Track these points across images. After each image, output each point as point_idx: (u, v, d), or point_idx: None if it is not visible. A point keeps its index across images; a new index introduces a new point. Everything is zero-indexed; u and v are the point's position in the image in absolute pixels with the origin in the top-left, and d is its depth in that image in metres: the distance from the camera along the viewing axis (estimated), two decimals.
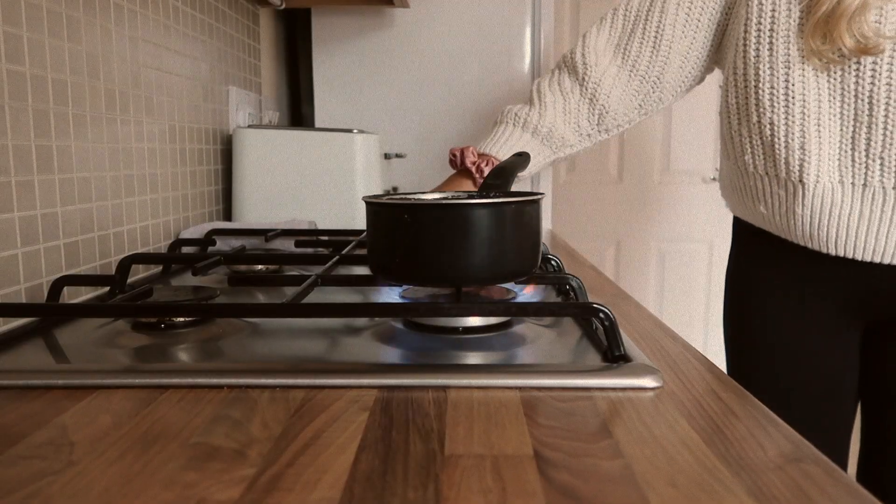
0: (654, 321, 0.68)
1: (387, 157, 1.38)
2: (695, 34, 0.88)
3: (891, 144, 0.72)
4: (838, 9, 0.70)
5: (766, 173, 0.81)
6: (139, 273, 0.91)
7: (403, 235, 0.59)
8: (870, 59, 0.72)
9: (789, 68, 0.76)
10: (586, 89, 0.92)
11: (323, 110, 1.61)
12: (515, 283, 0.69)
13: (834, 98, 0.74)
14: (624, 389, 0.48)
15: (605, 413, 0.43)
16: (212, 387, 0.48)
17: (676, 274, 2.12)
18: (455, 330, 0.62)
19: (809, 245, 0.81)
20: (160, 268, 0.95)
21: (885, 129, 0.72)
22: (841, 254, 0.78)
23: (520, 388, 0.47)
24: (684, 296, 2.12)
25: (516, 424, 0.41)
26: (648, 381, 0.48)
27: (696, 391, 0.48)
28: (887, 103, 0.72)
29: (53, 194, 0.74)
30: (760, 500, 0.33)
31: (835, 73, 0.74)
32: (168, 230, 1.02)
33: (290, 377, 0.48)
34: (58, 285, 0.68)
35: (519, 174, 0.80)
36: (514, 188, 0.75)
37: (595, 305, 0.55)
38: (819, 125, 0.75)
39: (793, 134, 0.77)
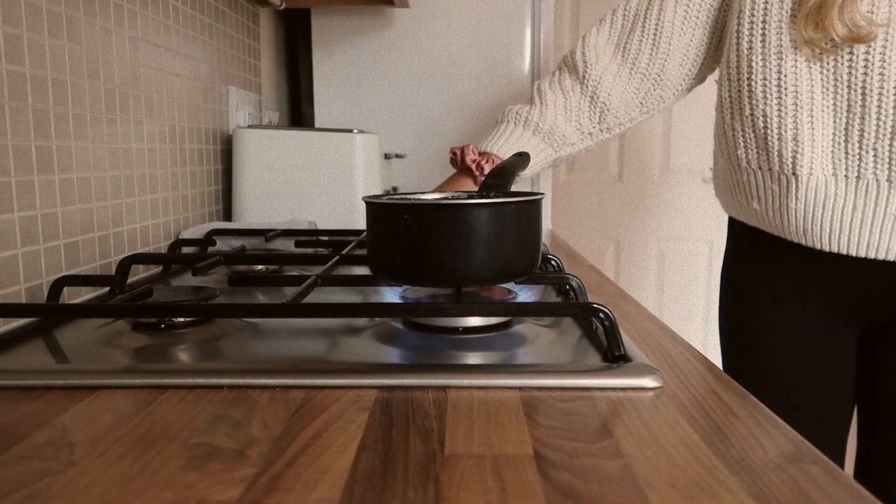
0: (654, 321, 0.68)
1: (387, 157, 1.38)
2: (693, 31, 0.88)
3: (884, 135, 0.72)
4: None
5: (760, 167, 0.81)
6: (139, 273, 0.91)
7: (403, 235, 0.59)
8: (862, 48, 0.71)
9: (782, 59, 0.76)
10: (587, 87, 0.92)
11: (323, 110, 1.61)
12: (515, 283, 0.69)
13: (827, 89, 0.74)
14: (624, 389, 0.48)
15: (605, 413, 0.43)
16: (212, 387, 0.48)
17: (676, 273, 2.12)
18: (455, 330, 0.62)
19: (803, 241, 0.80)
20: (160, 268, 0.95)
21: (879, 119, 0.72)
22: (835, 249, 0.78)
23: (520, 388, 0.47)
24: (684, 295, 2.12)
25: (516, 424, 0.41)
26: (648, 381, 0.48)
27: (696, 391, 0.48)
28: (880, 93, 0.71)
29: (53, 194, 0.74)
30: (760, 500, 0.33)
31: (827, 63, 0.74)
32: (168, 230, 1.02)
33: (290, 377, 0.48)
34: (58, 285, 0.68)
35: (520, 174, 0.80)
36: (514, 188, 0.75)
37: (595, 305, 0.55)
38: (812, 116, 0.75)
39: (785, 125, 0.77)
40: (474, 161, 0.93)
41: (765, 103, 0.78)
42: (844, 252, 0.77)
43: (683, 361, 0.55)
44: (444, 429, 0.41)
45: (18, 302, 0.68)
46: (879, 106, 0.72)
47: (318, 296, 0.72)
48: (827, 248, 0.78)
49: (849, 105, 0.73)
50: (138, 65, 0.92)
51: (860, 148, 0.73)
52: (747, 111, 0.80)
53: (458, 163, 0.96)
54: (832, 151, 0.75)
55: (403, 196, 0.71)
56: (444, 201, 0.64)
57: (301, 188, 1.21)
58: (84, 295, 0.79)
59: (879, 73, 0.71)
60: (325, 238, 1.05)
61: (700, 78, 0.94)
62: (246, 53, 1.38)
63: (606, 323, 0.54)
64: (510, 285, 0.71)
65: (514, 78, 1.60)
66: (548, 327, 0.64)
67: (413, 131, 1.61)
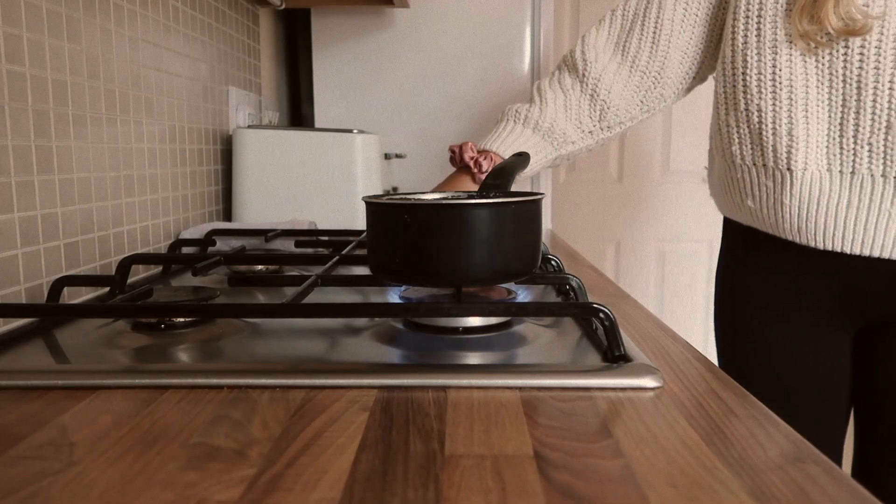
0: (654, 321, 0.68)
1: (387, 157, 1.38)
2: (693, 28, 0.88)
3: (878, 130, 0.72)
4: None
5: (754, 163, 0.81)
6: (139, 273, 0.91)
7: (403, 235, 0.59)
8: (857, 42, 0.71)
9: (776, 53, 0.76)
10: (587, 85, 0.93)
11: (323, 110, 1.61)
12: (515, 283, 0.69)
13: (822, 83, 0.74)
14: (624, 389, 0.48)
15: (605, 413, 0.43)
16: (212, 387, 0.48)
17: (676, 273, 2.12)
18: (455, 330, 0.62)
19: (797, 239, 0.80)
20: (160, 268, 0.95)
21: (874, 113, 0.72)
22: (829, 247, 0.78)
23: (520, 388, 0.47)
24: (684, 295, 2.12)
25: (516, 424, 0.41)
26: (648, 381, 0.48)
27: (696, 391, 0.48)
28: (875, 87, 0.71)
29: (53, 195, 0.74)
30: (760, 500, 0.33)
31: (823, 57, 0.74)
32: (168, 230, 1.02)
33: (290, 377, 0.48)
34: (58, 286, 0.68)
35: (520, 173, 0.80)
36: (514, 188, 0.75)
37: (595, 305, 0.55)
38: (807, 111, 0.75)
39: (780, 120, 0.77)
40: (472, 158, 0.93)
41: (759, 98, 0.78)
42: (839, 249, 0.77)
43: (683, 361, 0.55)
44: (444, 429, 0.41)
45: (18, 302, 0.68)
46: (874, 100, 0.72)
47: (318, 296, 0.73)
48: (821, 246, 0.78)
49: (844, 99, 0.73)
50: (138, 65, 0.92)
51: (855, 143, 0.73)
52: (742, 106, 0.80)
53: (457, 161, 0.96)
54: (827, 146, 0.75)
55: (403, 196, 0.71)
56: (444, 201, 0.64)
57: (301, 188, 1.21)
58: (84, 295, 0.79)
59: (874, 67, 0.71)
60: (325, 238, 1.05)
61: (701, 77, 0.94)
62: (246, 53, 1.38)
63: (606, 323, 0.54)
64: (510, 285, 0.71)
65: (514, 78, 1.60)
66: (548, 327, 0.64)
67: (413, 131, 1.61)
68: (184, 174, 1.08)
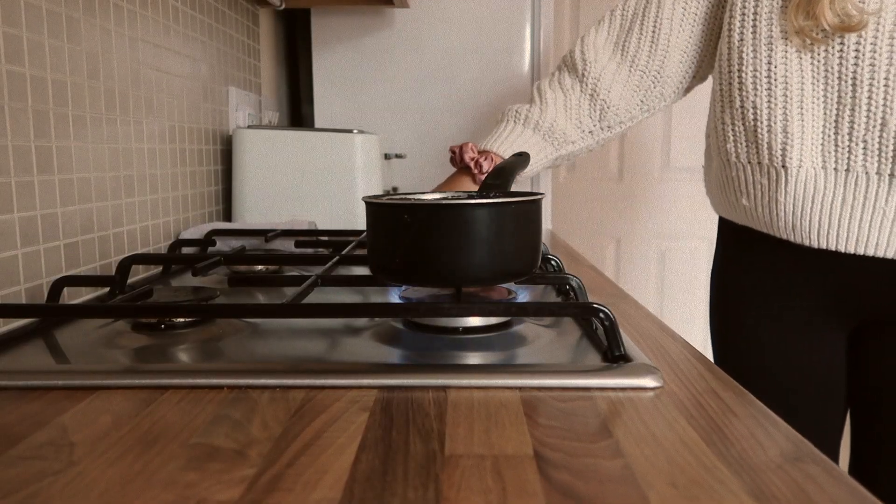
0: (654, 321, 0.68)
1: (387, 157, 1.38)
2: (692, 27, 0.88)
3: (874, 126, 0.72)
4: None
5: (749, 161, 0.81)
6: (139, 273, 0.91)
7: (403, 235, 0.59)
8: (853, 39, 0.71)
9: (772, 50, 0.76)
10: (586, 85, 0.93)
11: (323, 110, 1.61)
12: (515, 283, 0.69)
13: (817, 80, 0.74)
14: (624, 389, 0.48)
15: (605, 413, 0.43)
16: (212, 387, 0.48)
17: (677, 272, 2.12)
18: (455, 330, 0.62)
19: (792, 237, 0.80)
20: (160, 268, 0.95)
21: (869, 110, 0.72)
22: (823, 245, 0.78)
23: (520, 388, 0.47)
24: (685, 294, 2.12)
25: (516, 424, 0.41)
26: (648, 381, 0.48)
27: (696, 391, 0.48)
28: (871, 84, 0.71)
29: (53, 195, 0.74)
30: (760, 499, 0.33)
31: (818, 54, 0.74)
32: (168, 231, 1.02)
33: (290, 377, 0.48)
34: (58, 286, 0.68)
35: (521, 174, 0.80)
36: (514, 188, 0.75)
37: (595, 305, 0.55)
38: (802, 108, 0.75)
39: (775, 117, 0.77)
40: (473, 159, 0.93)
41: (755, 94, 0.78)
42: (833, 248, 0.77)
43: (683, 361, 0.55)
44: (444, 429, 0.41)
45: (18, 302, 0.68)
46: (870, 97, 0.72)
47: (318, 296, 0.73)
48: (815, 245, 0.78)
49: (839, 96, 0.73)
50: (138, 65, 0.92)
51: (850, 140, 0.73)
52: (737, 103, 0.80)
53: (458, 161, 0.96)
54: (822, 144, 0.75)
55: (403, 196, 0.71)
56: (444, 201, 0.64)
57: (301, 188, 1.21)
58: (84, 295, 0.79)
59: (870, 64, 0.71)
60: (325, 238, 1.05)
61: (701, 76, 0.94)
62: (246, 54, 1.38)
63: (606, 323, 0.54)
64: (510, 285, 0.71)
65: (514, 78, 1.60)
66: (548, 327, 0.64)
67: (413, 131, 1.61)
68: (184, 174, 1.08)
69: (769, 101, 0.77)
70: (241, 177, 1.21)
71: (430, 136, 1.62)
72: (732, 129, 0.82)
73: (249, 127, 1.25)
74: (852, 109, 0.73)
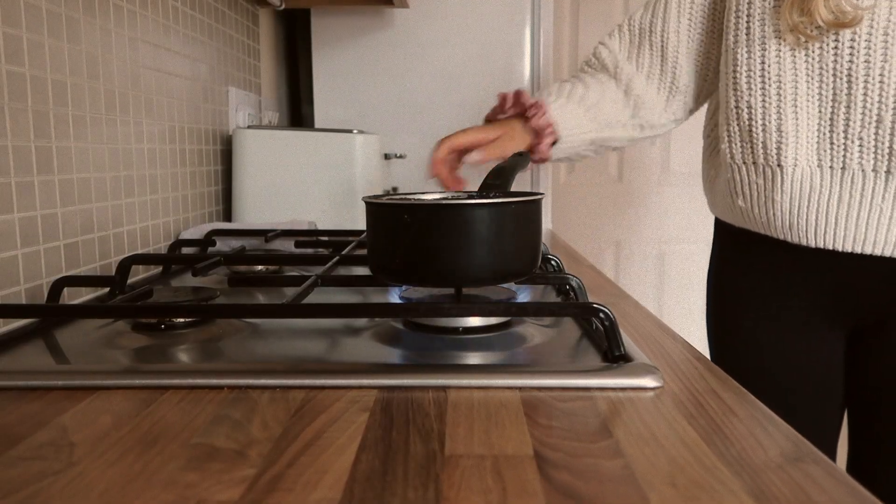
0: (654, 321, 0.68)
1: (387, 157, 1.38)
2: (701, 37, 0.89)
3: (869, 123, 0.72)
4: None
5: (745, 161, 0.81)
6: (139, 274, 0.91)
7: (403, 235, 0.59)
8: (847, 36, 0.72)
9: (765, 49, 0.76)
10: (620, 81, 0.92)
11: (323, 110, 1.61)
12: (515, 283, 0.69)
13: (812, 79, 0.75)
14: (624, 389, 0.48)
15: (606, 413, 0.43)
16: (212, 387, 0.48)
17: (676, 274, 2.12)
18: (455, 330, 0.62)
19: (788, 237, 0.80)
20: (160, 268, 0.95)
21: (865, 107, 0.72)
22: (821, 244, 0.78)
23: (520, 388, 0.47)
24: (684, 295, 2.12)
25: (516, 424, 0.41)
26: (648, 381, 0.48)
27: (696, 391, 0.48)
28: (866, 81, 0.72)
29: (53, 195, 0.74)
30: (760, 499, 0.33)
31: (812, 52, 0.74)
32: (168, 231, 1.02)
33: (290, 378, 0.48)
34: (58, 286, 0.68)
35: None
36: (517, 187, 0.74)
37: (595, 305, 0.55)
38: (796, 106, 0.76)
39: (769, 116, 0.77)
40: (530, 104, 0.88)
41: (749, 94, 0.78)
42: (830, 247, 0.77)
43: (683, 361, 0.55)
44: (444, 429, 0.41)
45: (18, 303, 0.68)
46: (865, 93, 0.72)
47: (318, 296, 0.72)
48: (813, 244, 0.78)
49: (834, 94, 0.74)
50: (138, 65, 0.92)
51: (846, 137, 0.73)
52: (732, 104, 0.81)
53: (509, 105, 0.90)
54: (817, 142, 0.75)
55: (403, 196, 0.71)
56: (443, 201, 0.64)
57: (301, 188, 1.21)
58: (84, 295, 0.79)
59: (864, 61, 0.71)
60: (325, 238, 1.05)
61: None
62: (246, 54, 1.38)
63: (606, 323, 0.54)
64: (510, 285, 0.71)
65: (514, 78, 1.60)
66: (548, 327, 0.64)
67: (413, 131, 1.61)
68: (184, 174, 1.08)
69: (763, 101, 0.77)
70: (241, 177, 1.21)
71: (430, 136, 1.61)
72: (727, 130, 0.82)
73: (249, 127, 1.25)
74: (848, 107, 0.73)
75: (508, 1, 1.58)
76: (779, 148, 0.77)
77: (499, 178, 0.72)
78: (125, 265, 0.75)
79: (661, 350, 0.58)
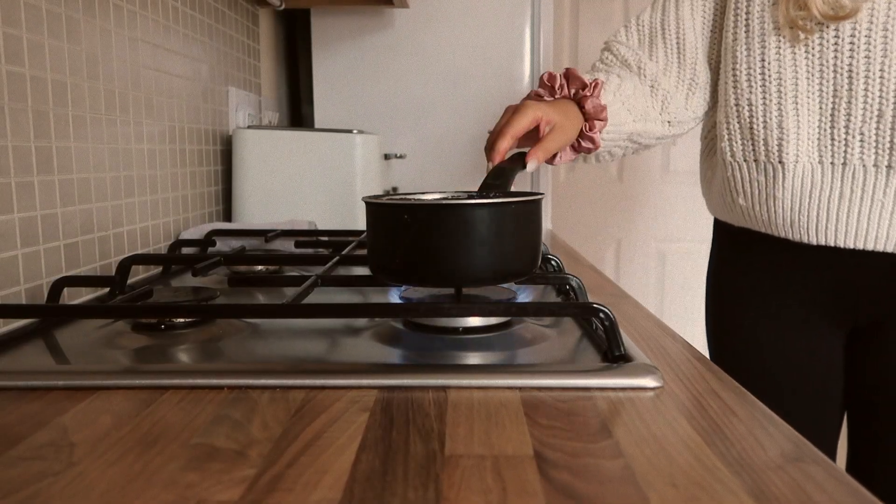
0: (654, 321, 0.68)
1: (387, 157, 1.38)
2: (713, 34, 0.87)
3: (870, 118, 0.72)
4: None
5: (745, 159, 0.81)
6: (139, 274, 0.91)
7: (403, 235, 0.59)
8: (847, 31, 0.72)
9: (765, 46, 0.76)
10: (644, 76, 0.87)
11: (323, 110, 1.61)
12: (515, 283, 0.69)
13: (812, 75, 0.75)
14: (624, 389, 0.48)
15: (606, 413, 0.43)
16: (212, 387, 0.48)
17: (676, 273, 2.12)
18: (455, 330, 0.62)
19: (790, 235, 0.80)
20: (160, 268, 0.95)
21: (866, 102, 0.72)
22: (822, 241, 0.78)
23: (520, 389, 0.47)
24: (684, 295, 2.12)
25: (516, 424, 0.41)
26: (648, 381, 0.48)
27: (696, 391, 0.48)
28: (867, 76, 0.72)
29: (53, 195, 0.74)
30: (761, 499, 0.33)
31: (812, 48, 0.74)
32: (168, 231, 1.02)
33: (291, 378, 0.48)
34: (58, 286, 0.68)
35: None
36: (514, 187, 0.74)
37: (595, 305, 0.55)
38: (797, 103, 0.76)
39: (770, 113, 0.77)
40: (585, 84, 0.79)
41: (749, 91, 0.78)
42: (832, 243, 0.77)
43: (683, 361, 0.55)
44: (444, 429, 0.41)
45: (18, 303, 0.68)
46: (866, 89, 0.72)
47: (318, 296, 0.72)
48: (814, 241, 0.78)
49: (835, 89, 0.74)
50: (138, 65, 0.92)
51: (846, 133, 0.74)
52: (732, 101, 0.80)
53: (558, 86, 0.81)
54: (818, 138, 0.76)
55: (403, 196, 0.71)
56: (444, 201, 0.64)
57: (301, 188, 1.21)
58: (84, 296, 0.79)
59: (865, 56, 0.71)
60: (325, 238, 1.05)
61: None
62: (246, 54, 1.38)
63: (606, 323, 0.54)
64: (510, 285, 0.71)
65: (514, 78, 1.60)
66: (548, 327, 0.64)
67: (413, 131, 1.61)
68: (184, 175, 1.08)
69: (764, 97, 0.77)
70: (241, 177, 1.21)
71: (430, 136, 1.62)
72: (728, 128, 0.82)
73: (249, 127, 1.25)
74: (848, 102, 0.73)
75: (508, 1, 1.58)
76: (780, 145, 0.77)
77: (499, 179, 0.72)
78: (125, 265, 0.75)
79: (661, 350, 0.58)
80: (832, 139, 0.75)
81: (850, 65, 0.72)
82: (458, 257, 0.58)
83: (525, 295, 0.70)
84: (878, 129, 0.72)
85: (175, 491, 0.33)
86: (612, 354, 0.54)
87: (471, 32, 1.59)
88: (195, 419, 0.42)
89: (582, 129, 0.78)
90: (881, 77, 0.71)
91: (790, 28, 0.74)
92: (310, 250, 0.97)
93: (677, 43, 0.87)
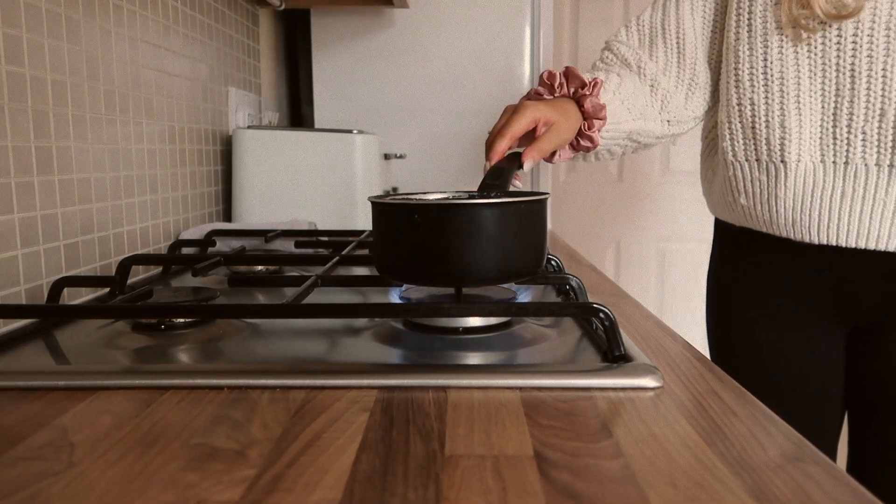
0: (654, 321, 0.68)
1: (387, 157, 1.38)
2: (714, 34, 0.87)
3: (872, 117, 0.72)
4: None
5: (747, 159, 0.81)
6: (139, 274, 0.91)
7: (411, 236, 0.59)
8: (850, 31, 0.72)
9: (767, 45, 0.77)
10: (644, 76, 0.87)
11: (323, 111, 1.61)
12: (516, 283, 0.69)
13: (815, 73, 0.75)
14: (624, 389, 0.48)
15: (606, 413, 0.43)
16: (212, 387, 0.48)
17: (676, 273, 2.12)
18: (455, 330, 0.62)
19: (792, 234, 0.80)
20: (160, 269, 0.95)
21: (868, 101, 0.72)
22: (824, 240, 0.78)
23: (520, 389, 0.47)
24: (684, 295, 2.12)
25: (517, 424, 0.41)
26: (648, 381, 0.48)
27: (696, 391, 0.48)
28: (869, 75, 0.72)
29: (53, 195, 0.74)
30: (761, 499, 0.33)
31: (815, 47, 0.74)
32: (168, 231, 1.02)
33: (291, 378, 0.48)
34: (58, 286, 0.68)
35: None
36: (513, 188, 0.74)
37: (595, 305, 0.55)
38: (799, 102, 0.76)
39: (772, 112, 0.77)
40: (585, 84, 0.79)
41: (752, 91, 0.78)
42: (833, 242, 0.77)
43: (683, 361, 0.55)
44: (444, 429, 0.41)
45: (18, 303, 0.68)
46: (868, 88, 0.72)
47: (319, 296, 0.72)
48: (816, 240, 0.78)
49: (837, 88, 0.74)
50: (138, 65, 0.92)
51: (848, 132, 0.74)
52: (734, 101, 0.80)
53: (557, 84, 0.80)
54: (820, 137, 0.76)
55: (405, 196, 0.70)
56: (450, 201, 0.64)
57: (301, 188, 1.21)
58: (84, 296, 0.79)
59: (867, 55, 0.72)
60: (325, 238, 1.05)
61: None
62: (245, 54, 1.38)
63: (606, 323, 0.54)
64: (510, 285, 0.71)
65: (514, 78, 1.60)
66: (548, 327, 0.64)
67: (413, 131, 1.61)
68: (183, 175, 1.08)
69: (766, 97, 0.77)
70: (241, 177, 1.21)
71: (430, 136, 1.62)
72: (729, 128, 0.82)
73: (249, 127, 1.25)
74: (851, 101, 0.73)
75: (508, 1, 1.58)
76: (782, 144, 0.77)
77: (497, 178, 0.72)
78: (125, 265, 0.75)
79: (661, 350, 0.58)
80: (834, 138, 0.75)
81: (853, 64, 0.72)
82: (466, 256, 0.58)
83: (525, 295, 0.70)
84: (880, 128, 0.72)
85: (175, 491, 0.33)
86: (612, 354, 0.53)
87: (471, 32, 1.59)
88: (195, 419, 0.42)
89: (581, 127, 0.79)
90: (883, 76, 0.71)
91: (792, 27, 0.74)
92: (310, 250, 0.97)
93: (677, 43, 0.87)
